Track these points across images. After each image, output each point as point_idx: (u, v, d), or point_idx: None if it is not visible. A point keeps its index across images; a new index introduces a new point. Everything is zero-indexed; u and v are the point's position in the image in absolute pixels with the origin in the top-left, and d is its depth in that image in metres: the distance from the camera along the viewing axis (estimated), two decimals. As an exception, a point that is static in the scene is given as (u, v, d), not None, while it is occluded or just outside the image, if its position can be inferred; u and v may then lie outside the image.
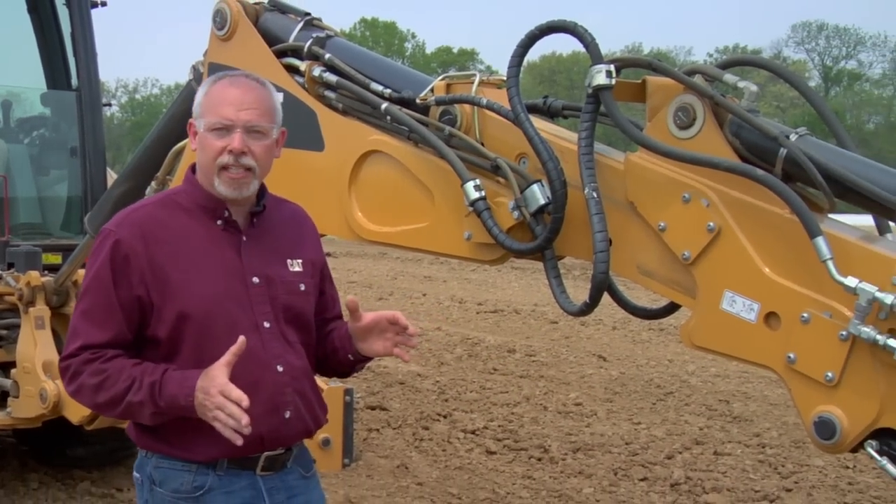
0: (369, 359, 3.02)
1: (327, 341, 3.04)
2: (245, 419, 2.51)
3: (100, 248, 2.73)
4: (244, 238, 2.84)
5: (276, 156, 2.90)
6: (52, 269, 5.84)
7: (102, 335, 2.67)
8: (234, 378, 2.58)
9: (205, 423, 2.60)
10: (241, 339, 2.61)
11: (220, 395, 2.53)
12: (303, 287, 2.94)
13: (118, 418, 2.84)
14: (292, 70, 3.70)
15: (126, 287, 2.68)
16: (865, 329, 2.45)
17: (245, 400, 2.52)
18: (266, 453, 2.79)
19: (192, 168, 2.89)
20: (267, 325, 2.81)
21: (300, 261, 2.95)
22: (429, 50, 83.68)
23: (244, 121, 2.73)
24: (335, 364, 3.08)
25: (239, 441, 2.55)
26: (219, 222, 2.82)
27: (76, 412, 5.04)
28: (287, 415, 2.81)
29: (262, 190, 2.89)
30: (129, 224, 2.74)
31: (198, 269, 2.75)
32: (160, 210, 2.82)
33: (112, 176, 6.46)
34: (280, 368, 2.81)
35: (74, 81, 6.83)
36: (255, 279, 2.82)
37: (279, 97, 3.00)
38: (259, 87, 2.83)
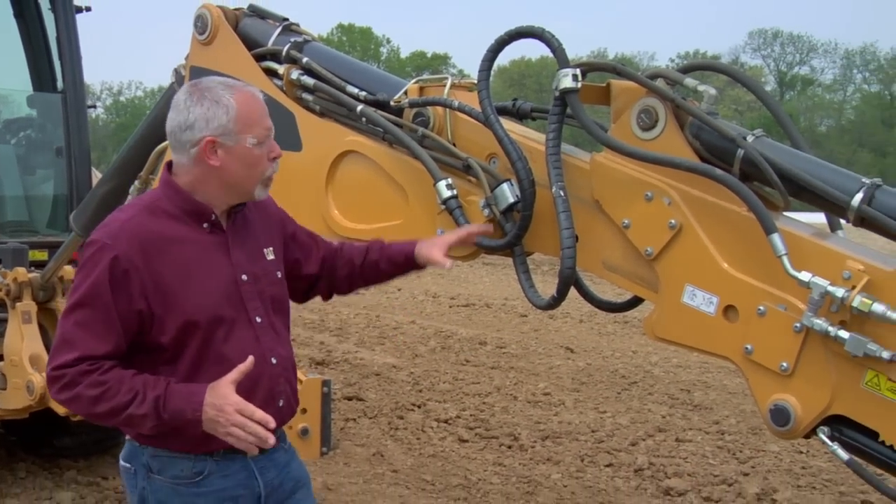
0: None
1: (374, 270, 3.22)
2: (272, 440, 2.54)
3: (95, 260, 2.62)
4: (228, 238, 2.82)
5: None
6: (39, 265, 5.80)
7: (102, 347, 2.59)
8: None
9: None
10: (250, 359, 2.62)
11: (239, 415, 2.52)
12: (279, 274, 2.96)
13: (113, 426, 2.73)
14: (271, 73, 3.69)
15: (125, 301, 2.60)
16: (818, 321, 2.48)
17: (271, 421, 2.55)
18: None
19: (168, 170, 2.82)
20: (259, 319, 2.81)
21: (272, 248, 2.96)
22: (403, 54, 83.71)
23: (273, 128, 2.80)
24: (386, 278, 3.32)
25: (255, 452, 2.60)
26: (205, 225, 2.77)
27: (62, 404, 4.99)
28: (280, 403, 2.85)
29: None
30: (126, 237, 2.63)
31: (195, 275, 2.70)
32: (150, 218, 2.70)
33: (97, 175, 6.42)
34: (274, 361, 2.82)
35: (60, 84, 6.77)
36: (244, 276, 2.80)
37: None
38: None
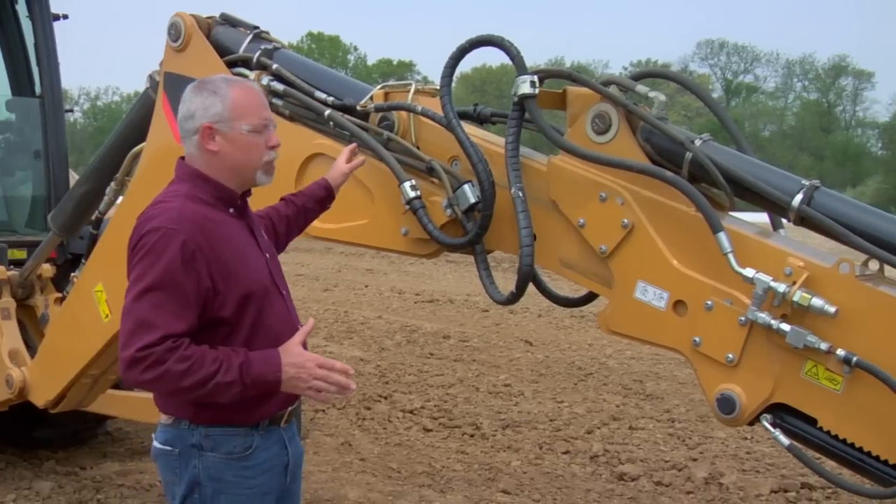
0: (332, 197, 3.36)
1: (303, 211, 3.31)
2: (353, 385, 2.71)
3: (163, 245, 2.63)
4: (250, 221, 2.92)
5: None
6: (18, 263, 5.72)
7: (182, 325, 2.61)
8: (281, 342, 2.72)
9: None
10: (311, 321, 2.79)
11: (321, 369, 2.66)
12: (275, 250, 3.06)
13: (194, 399, 2.71)
14: (242, 79, 3.66)
15: (195, 280, 2.63)
16: (761, 315, 2.50)
17: (350, 369, 2.71)
18: (290, 408, 2.92)
19: (183, 164, 2.85)
20: (284, 292, 2.93)
21: (263, 230, 3.04)
22: (370, 61, 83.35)
23: (272, 119, 2.87)
24: (314, 215, 3.37)
25: (331, 401, 2.73)
26: (231, 210, 2.84)
27: (41, 396, 4.94)
28: None
29: None
30: (188, 222, 2.67)
31: (241, 254, 2.79)
32: (195, 205, 2.74)
33: (74, 177, 6.34)
34: (300, 327, 2.87)
35: (38, 89, 6.68)
36: (268, 254, 2.92)
37: None
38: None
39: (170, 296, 2.61)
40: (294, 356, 2.67)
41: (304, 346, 2.81)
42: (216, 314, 2.70)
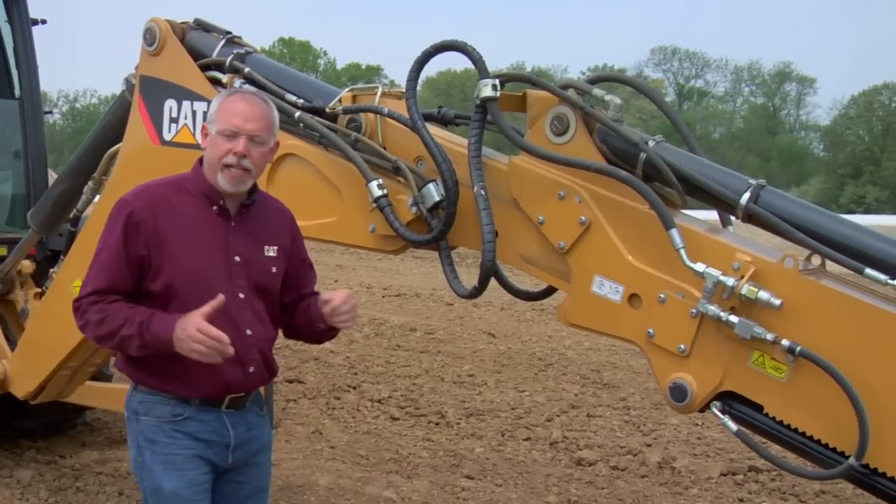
0: (337, 330, 3.11)
1: (305, 314, 3.12)
2: (229, 350, 2.75)
3: (117, 214, 2.89)
4: (232, 223, 2.97)
5: (269, 160, 3.02)
6: (-2, 260, 5.64)
7: (105, 282, 2.87)
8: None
9: (183, 367, 2.83)
10: (220, 296, 2.79)
11: (199, 333, 2.71)
12: (274, 270, 3.06)
13: (113, 349, 3.03)
14: (215, 82, 3.63)
15: (133, 248, 2.85)
16: (711, 307, 2.52)
17: (225, 338, 2.73)
18: (230, 396, 2.99)
19: (200, 161, 2.99)
20: (242, 296, 2.96)
21: (276, 248, 3.06)
22: (339, 66, 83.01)
23: (248, 130, 2.87)
24: (309, 332, 3.18)
25: (218, 360, 2.77)
26: (214, 208, 2.95)
27: (21, 388, 4.87)
28: (251, 369, 3.01)
29: (254, 187, 3.00)
30: (144, 198, 2.91)
31: (192, 242, 2.91)
32: (169, 190, 2.95)
33: (53, 176, 6.26)
34: (249, 332, 2.97)
35: (17, 91, 6.58)
36: (237, 258, 2.96)
37: (277, 114, 3.01)
38: (263, 104, 2.96)
39: (110, 257, 2.88)
40: (185, 321, 2.76)
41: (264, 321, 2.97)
42: (147, 285, 2.90)
